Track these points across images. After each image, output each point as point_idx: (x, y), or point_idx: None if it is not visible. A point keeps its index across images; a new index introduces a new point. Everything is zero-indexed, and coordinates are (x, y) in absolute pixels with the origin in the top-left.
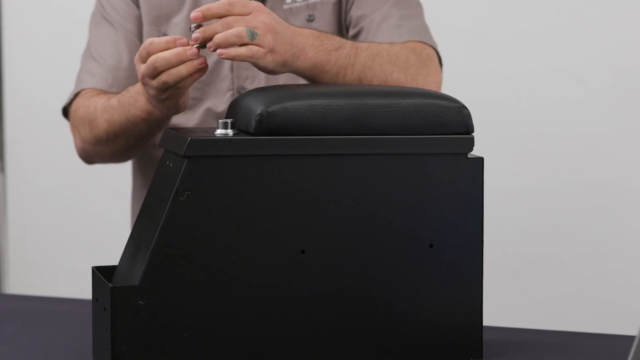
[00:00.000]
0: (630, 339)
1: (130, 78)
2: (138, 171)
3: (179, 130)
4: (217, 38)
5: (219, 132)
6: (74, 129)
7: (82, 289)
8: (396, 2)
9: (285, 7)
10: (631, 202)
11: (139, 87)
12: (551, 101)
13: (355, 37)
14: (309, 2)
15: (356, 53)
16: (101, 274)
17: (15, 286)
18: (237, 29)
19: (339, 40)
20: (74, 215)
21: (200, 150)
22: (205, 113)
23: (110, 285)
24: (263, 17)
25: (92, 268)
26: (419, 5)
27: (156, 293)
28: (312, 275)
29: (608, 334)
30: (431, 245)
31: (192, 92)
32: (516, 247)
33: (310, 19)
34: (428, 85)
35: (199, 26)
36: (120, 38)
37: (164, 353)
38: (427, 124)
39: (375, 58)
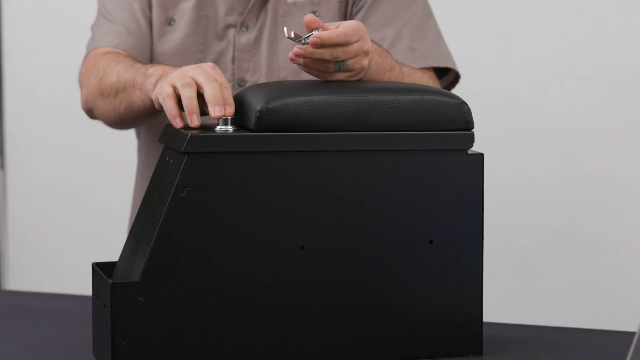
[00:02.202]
0: (630, 335)
1: (147, 42)
2: (142, 170)
3: None
4: (313, 66)
5: (219, 128)
6: (85, 77)
7: (82, 285)
8: (408, 19)
9: (289, 1)
10: (631, 197)
11: (154, 79)
12: (550, 97)
13: (356, 14)
14: None
15: (402, 77)
16: (101, 270)
17: (16, 282)
18: (327, 66)
19: (392, 61)
20: (74, 211)
21: (200, 146)
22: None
23: (110, 281)
24: (367, 45)
25: (92, 264)
26: (430, 13)
27: (156, 289)
28: (312, 272)
29: (608, 330)
30: (431, 242)
31: None
32: (516, 243)
33: (316, 15)
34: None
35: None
36: (135, 7)
37: (164, 349)
38: (427, 120)
39: (425, 77)
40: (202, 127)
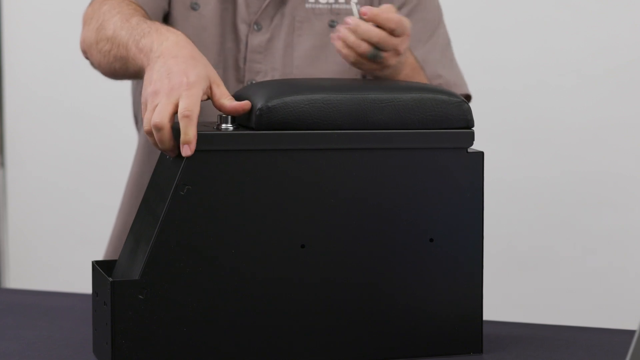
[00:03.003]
0: (630, 333)
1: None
2: (137, 164)
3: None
4: (355, 46)
5: (219, 126)
6: (87, 19)
7: (83, 283)
8: (434, 43)
9: (307, 6)
10: (632, 195)
11: (149, 43)
12: (550, 93)
13: None
14: (333, 7)
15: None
16: (101, 268)
17: (15, 280)
18: (365, 47)
19: (423, 77)
20: (74, 210)
21: (200, 145)
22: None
23: (110, 279)
24: (404, 46)
25: (92, 262)
26: (448, 35)
27: (156, 287)
28: (312, 270)
29: (608, 328)
30: (431, 240)
31: None
32: (516, 241)
33: (333, 24)
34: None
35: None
36: None
37: (164, 347)
38: (427, 119)
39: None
40: (202, 125)
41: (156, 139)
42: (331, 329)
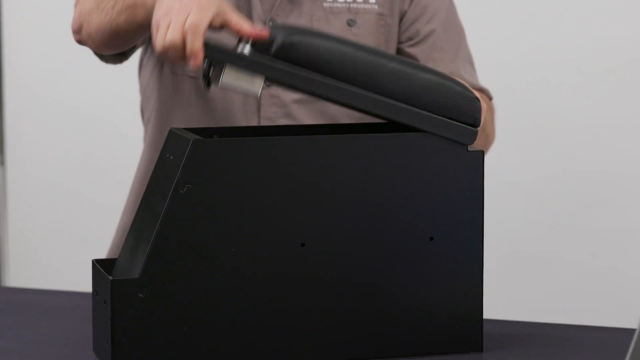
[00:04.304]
0: (630, 331)
1: None
2: (144, 162)
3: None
4: None
5: (239, 46)
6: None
7: (82, 282)
8: (462, 55)
9: (325, 5)
10: (632, 194)
11: None
12: (552, 94)
13: (414, 46)
14: (351, 6)
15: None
16: (101, 267)
17: (15, 279)
18: None
19: None
20: (74, 209)
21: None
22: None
23: (111, 278)
24: None
25: (92, 261)
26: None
27: (156, 286)
28: (312, 268)
29: (608, 327)
30: (431, 239)
31: None
32: (516, 239)
33: (351, 24)
34: (493, 140)
35: None
36: None
37: (164, 346)
38: (438, 103)
39: (482, 102)
40: (218, 48)
41: (170, 57)
42: (331, 328)
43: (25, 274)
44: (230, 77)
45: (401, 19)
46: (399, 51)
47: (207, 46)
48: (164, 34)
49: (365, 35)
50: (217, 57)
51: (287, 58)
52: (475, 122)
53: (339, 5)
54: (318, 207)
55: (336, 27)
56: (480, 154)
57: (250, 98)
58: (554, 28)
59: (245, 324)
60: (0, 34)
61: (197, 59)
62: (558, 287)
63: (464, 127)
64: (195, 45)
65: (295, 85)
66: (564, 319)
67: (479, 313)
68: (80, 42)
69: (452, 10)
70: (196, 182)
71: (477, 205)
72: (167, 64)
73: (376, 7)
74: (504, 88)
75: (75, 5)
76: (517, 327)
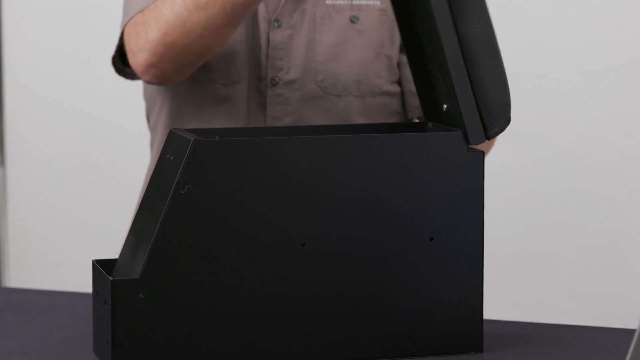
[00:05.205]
0: (630, 332)
1: None
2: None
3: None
4: None
5: None
6: (139, 33)
7: (83, 282)
8: None
9: (328, 2)
10: (631, 195)
11: None
12: (551, 92)
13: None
14: (353, 3)
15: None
16: (102, 267)
17: (15, 279)
18: None
19: None
20: (74, 209)
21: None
22: (248, 87)
23: (111, 278)
24: None
25: (93, 261)
26: None
27: (156, 286)
28: (313, 269)
29: (608, 328)
30: (432, 239)
31: (238, 68)
32: (516, 240)
33: (354, 21)
34: (494, 142)
35: None
36: None
37: (164, 346)
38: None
39: None
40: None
41: None
42: (331, 328)
43: (26, 274)
44: None
45: None
46: (403, 46)
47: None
48: None
49: (369, 31)
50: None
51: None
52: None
53: (341, 2)
54: (318, 207)
55: (339, 24)
56: (481, 155)
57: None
58: (552, 27)
59: (246, 325)
60: (0, 34)
61: None
62: (559, 287)
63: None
64: None
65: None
66: (564, 319)
67: (479, 313)
68: (158, 76)
69: None
70: (196, 182)
71: (477, 205)
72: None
73: (378, 3)
74: None
75: (137, 43)
76: (517, 328)
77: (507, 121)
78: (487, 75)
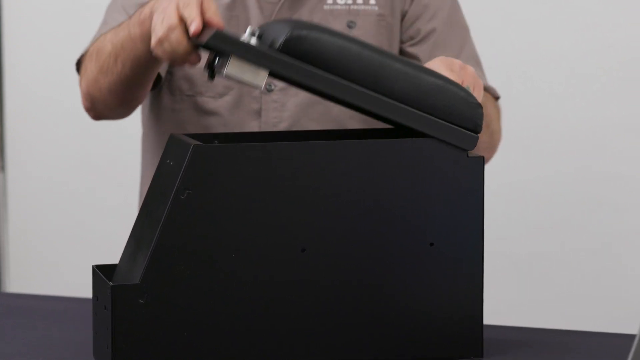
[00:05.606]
0: (630, 337)
1: None
2: (148, 167)
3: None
4: None
5: (244, 37)
6: (82, 74)
7: (83, 287)
8: (468, 51)
9: (326, 7)
10: (631, 197)
11: (148, 10)
12: (543, 95)
13: (415, 45)
14: (351, 8)
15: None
16: (102, 272)
17: (16, 283)
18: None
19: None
20: (75, 213)
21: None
22: (237, 98)
23: (111, 284)
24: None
25: (93, 267)
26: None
27: (157, 292)
28: (313, 274)
29: (608, 333)
30: (432, 244)
31: (224, 79)
32: (517, 245)
33: (351, 26)
34: (500, 140)
35: None
36: None
37: (164, 351)
38: (439, 107)
39: (488, 100)
40: (224, 37)
41: (173, 40)
42: (332, 333)
43: (26, 276)
44: (234, 68)
45: (402, 18)
46: (401, 51)
47: (213, 35)
48: (160, 25)
49: (366, 37)
50: (222, 47)
51: (292, 52)
52: (476, 128)
53: (338, 7)
54: (318, 212)
55: (336, 29)
56: (481, 160)
57: (250, 103)
58: (546, 29)
59: (246, 330)
60: (0, 34)
61: (196, 25)
62: (558, 293)
63: (465, 133)
64: (193, 12)
65: (298, 80)
66: (564, 324)
67: (479, 318)
68: (97, 117)
69: (455, 8)
70: (196, 187)
71: (477, 210)
72: (166, 87)
73: (376, 8)
74: (503, 94)
75: (80, 85)
76: (517, 333)
77: (479, 106)
78: (431, 95)
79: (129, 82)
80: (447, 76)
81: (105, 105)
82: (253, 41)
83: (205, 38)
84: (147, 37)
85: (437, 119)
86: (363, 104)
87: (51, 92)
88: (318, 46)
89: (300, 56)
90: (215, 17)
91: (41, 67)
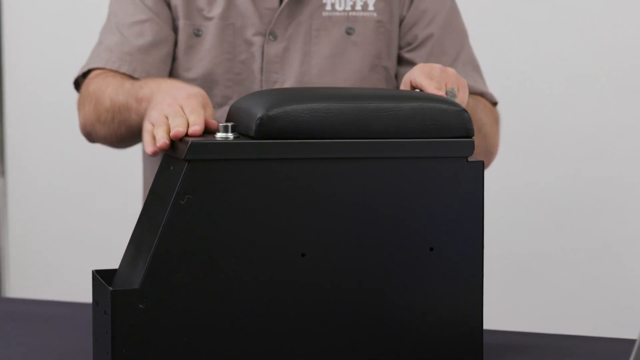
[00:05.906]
0: (630, 342)
1: (149, 58)
2: (150, 172)
3: None
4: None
5: (220, 135)
6: (80, 104)
7: (83, 292)
8: (466, 55)
9: (324, 14)
10: (631, 200)
11: (148, 91)
12: (542, 97)
13: (413, 51)
14: (350, 14)
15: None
16: (102, 277)
17: (16, 287)
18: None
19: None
20: (75, 218)
21: (200, 153)
22: None
23: (111, 288)
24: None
25: (93, 271)
26: (470, 44)
27: (156, 296)
28: (313, 279)
29: (608, 338)
30: (431, 249)
31: (222, 90)
32: (516, 249)
33: (350, 32)
34: (497, 145)
35: None
36: (150, 18)
37: (164, 356)
38: (427, 127)
39: (478, 105)
40: (203, 134)
41: (159, 137)
42: (332, 338)
43: (26, 281)
44: None
45: (400, 24)
46: (399, 57)
47: (188, 150)
48: (162, 128)
49: (365, 43)
50: (201, 157)
51: (269, 133)
52: (468, 133)
53: (337, 14)
54: (318, 217)
55: (335, 36)
56: (480, 165)
57: None
58: (545, 32)
59: (247, 334)
60: (0, 35)
61: (199, 127)
62: (558, 297)
63: (459, 141)
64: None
65: (282, 157)
66: (564, 329)
67: (479, 323)
68: (93, 142)
69: (453, 14)
70: (196, 192)
71: (477, 215)
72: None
73: (375, 14)
74: (503, 98)
75: (78, 115)
76: (517, 338)
77: (463, 111)
78: (414, 119)
79: (124, 137)
80: (426, 85)
81: (101, 141)
82: (230, 136)
83: (182, 152)
84: (141, 115)
85: (427, 140)
86: (350, 154)
87: (52, 98)
88: (291, 119)
89: (277, 134)
90: (199, 126)
91: (42, 71)
